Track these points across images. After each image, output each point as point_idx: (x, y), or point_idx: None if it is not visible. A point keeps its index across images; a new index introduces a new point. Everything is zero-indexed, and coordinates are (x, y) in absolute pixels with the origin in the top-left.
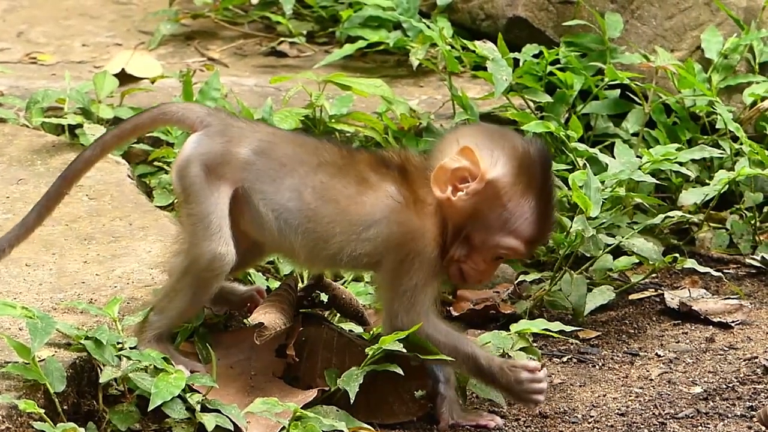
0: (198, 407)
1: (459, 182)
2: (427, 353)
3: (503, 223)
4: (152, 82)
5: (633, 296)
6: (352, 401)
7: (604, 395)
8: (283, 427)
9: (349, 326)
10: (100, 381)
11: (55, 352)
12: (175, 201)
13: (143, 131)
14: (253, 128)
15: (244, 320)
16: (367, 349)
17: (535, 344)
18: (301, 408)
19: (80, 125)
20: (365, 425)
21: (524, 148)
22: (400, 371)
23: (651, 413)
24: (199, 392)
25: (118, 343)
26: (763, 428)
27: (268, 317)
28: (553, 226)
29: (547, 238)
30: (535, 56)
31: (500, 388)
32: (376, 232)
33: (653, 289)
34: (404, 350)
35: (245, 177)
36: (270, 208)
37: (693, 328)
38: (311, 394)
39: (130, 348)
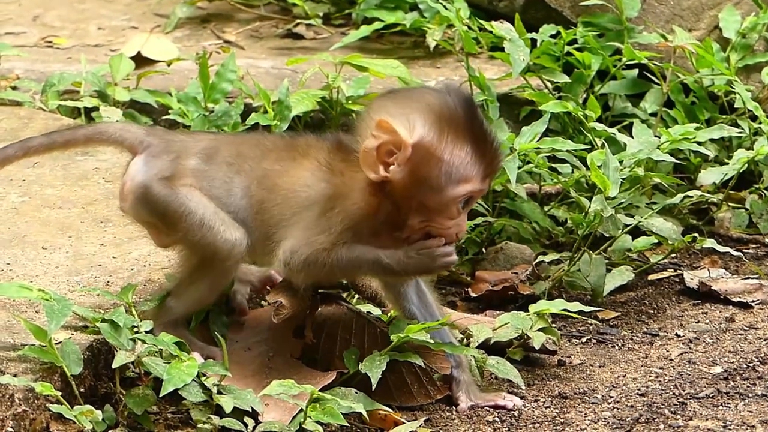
0: (214, 389)
1: (387, 157)
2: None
3: (448, 177)
4: (168, 65)
5: (652, 276)
6: (374, 387)
7: (624, 376)
8: (301, 410)
9: (366, 308)
10: (113, 365)
11: (72, 334)
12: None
13: (75, 147)
14: (195, 138)
15: (261, 301)
16: (392, 336)
17: (554, 325)
18: (319, 390)
19: (96, 108)
20: (384, 407)
21: (438, 99)
22: (421, 362)
23: (671, 393)
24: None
25: (134, 326)
26: None
27: (286, 296)
28: (498, 149)
29: (497, 164)
30: (553, 36)
31: (415, 272)
32: (306, 198)
33: (672, 270)
34: (431, 341)
35: (201, 186)
36: (227, 210)
37: (713, 308)
38: (330, 376)
39: (146, 332)
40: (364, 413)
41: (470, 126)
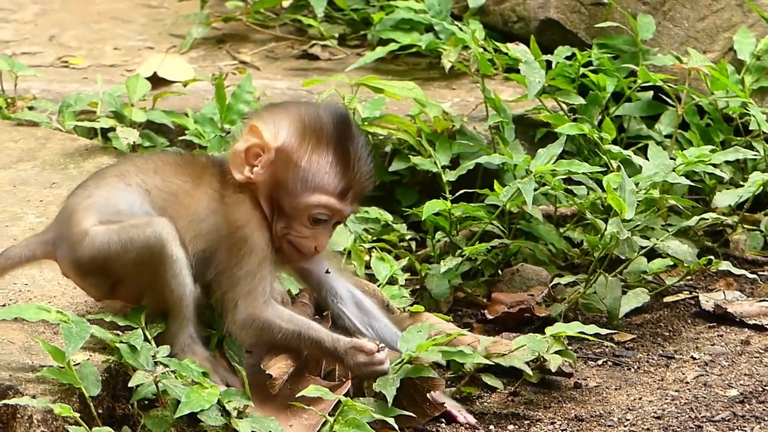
0: (234, 413)
1: (254, 159)
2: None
3: (304, 183)
4: (184, 86)
5: (668, 299)
6: (390, 404)
7: (640, 398)
8: (326, 422)
9: None
10: (130, 383)
11: (90, 356)
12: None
13: None
14: (84, 195)
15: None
16: (403, 352)
17: (570, 347)
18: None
19: (113, 129)
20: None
21: (309, 111)
22: (436, 375)
23: (687, 416)
24: None
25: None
26: None
27: (275, 367)
28: (367, 173)
29: (361, 186)
30: (568, 58)
31: (347, 368)
32: (206, 228)
33: (688, 292)
34: (442, 360)
35: (103, 216)
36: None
37: (728, 330)
38: (345, 385)
39: (165, 356)
40: (392, 421)
41: (336, 141)
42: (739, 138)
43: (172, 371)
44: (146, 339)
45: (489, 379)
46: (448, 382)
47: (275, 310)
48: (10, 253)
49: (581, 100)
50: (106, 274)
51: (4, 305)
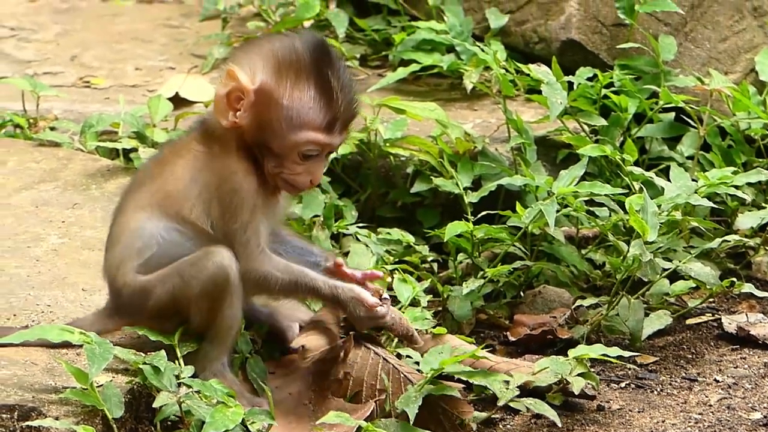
0: None
1: (236, 103)
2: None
3: (288, 121)
4: (206, 106)
5: (690, 321)
6: (411, 422)
7: (663, 421)
8: None
9: (397, 349)
10: (155, 404)
11: (113, 377)
12: None
13: None
14: (117, 250)
15: (290, 344)
16: (424, 370)
17: (592, 369)
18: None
19: (135, 149)
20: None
21: (284, 44)
22: (458, 395)
23: None
24: None
25: (176, 372)
26: None
27: (310, 339)
28: (350, 99)
29: (348, 116)
30: (590, 79)
31: (350, 317)
32: (198, 189)
33: (710, 314)
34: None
35: (143, 258)
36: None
37: (751, 353)
38: (369, 406)
39: (190, 377)
40: None
41: (315, 73)
42: (761, 159)
43: (196, 392)
44: (175, 358)
45: (513, 403)
46: (474, 406)
47: (271, 261)
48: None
49: (603, 122)
50: (172, 315)
51: (27, 326)
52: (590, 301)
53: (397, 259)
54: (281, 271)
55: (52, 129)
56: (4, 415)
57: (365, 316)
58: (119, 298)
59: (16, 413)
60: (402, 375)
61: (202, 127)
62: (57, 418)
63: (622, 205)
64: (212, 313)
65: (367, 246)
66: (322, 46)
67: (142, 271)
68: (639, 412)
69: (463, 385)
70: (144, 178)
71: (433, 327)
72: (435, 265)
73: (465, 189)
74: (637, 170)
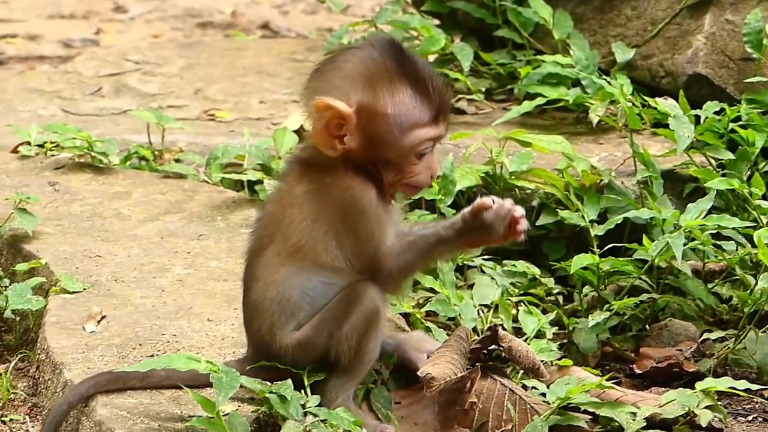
0: None
1: (338, 131)
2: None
3: (399, 128)
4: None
5: None
6: None
7: None
8: None
9: (522, 380)
10: None
11: (239, 406)
12: None
13: None
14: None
15: (417, 373)
16: (551, 400)
17: (719, 402)
18: None
19: (260, 181)
20: None
21: (364, 58)
22: (585, 425)
23: None
24: None
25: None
26: None
27: (436, 369)
28: (441, 85)
29: (445, 102)
30: (716, 113)
31: (488, 235)
32: (324, 228)
33: None
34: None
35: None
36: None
37: None
38: None
39: (316, 406)
40: None
41: (403, 73)
42: None
43: (322, 420)
44: (301, 387)
45: None
46: None
47: (400, 251)
48: None
49: (730, 156)
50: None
51: (152, 355)
52: (717, 334)
53: (522, 292)
54: (412, 252)
55: (177, 161)
56: None
57: (494, 219)
58: (282, 359)
59: None
60: (528, 406)
61: (300, 167)
62: None
63: (749, 238)
64: (358, 347)
65: (492, 278)
66: (397, 46)
67: (297, 328)
68: None
69: (590, 417)
70: (264, 240)
71: (559, 359)
72: (560, 298)
73: (591, 222)
74: (765, 204)
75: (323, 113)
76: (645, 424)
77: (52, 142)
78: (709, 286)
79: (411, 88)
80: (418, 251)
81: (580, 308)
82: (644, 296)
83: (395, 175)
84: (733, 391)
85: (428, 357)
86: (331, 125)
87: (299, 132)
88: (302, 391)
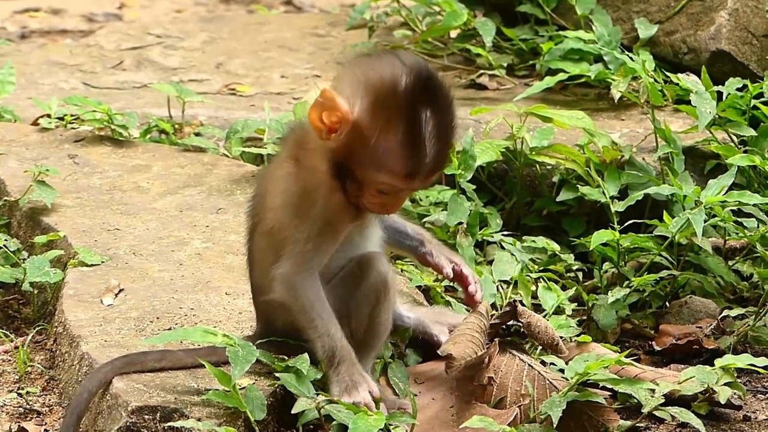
0: None
1: (331, 123)
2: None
3: (372, 160)
4: None
5: None
6: (555, 425)
7: None
8: None
9: (541, 357)
10: (293, 410)
11: (256, 380)
12: None
13: None
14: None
15: (437, 351)
16: (570, 376)
17: (739, 380)
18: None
19: None
20: None
21: (387, 77)
22: (603, 401)
23: None
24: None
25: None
26: None
27: (457, 348)
28: (439, 154)
29: (432, 167)
30: (739, 90)
31: (332, 382)
32: (281, 199)
33: None
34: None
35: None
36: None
37: None
38: (513, 411)
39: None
40: None
41: (409, 116)
42: None
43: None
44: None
45: (658, 411)
46: (618, 414)
47: (312, 284)
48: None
49: (752, 132)
50: None
51: (170, 329)
52: (737, 311)
53: (542, 268)
54: (312, 297)
55: (197, 135)
56: (146, 416)
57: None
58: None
59: (158, 414)
60: (547, 381)
61: (296, 135)
62: (199, 420)
63: None
64: (370, 320)
65: (512, 254)
66: (425, 80)
67: None
68: None
69: (609, 393)
70: (255, 219)
71: (578, 335)
72: (580, 274)
73: (611, 198)
74: None
75: (327, 102)
76: (663, 400)
77: (72, 115)
78: (730, 263)
79: (404, 136)
80: (315, 313)
81: (599, 285)
82: (664, 273)
83: (355, 190)
84: (753, 368)
85: (450, 331)
86: (332, 116)
87: None
88: (318, 365)
